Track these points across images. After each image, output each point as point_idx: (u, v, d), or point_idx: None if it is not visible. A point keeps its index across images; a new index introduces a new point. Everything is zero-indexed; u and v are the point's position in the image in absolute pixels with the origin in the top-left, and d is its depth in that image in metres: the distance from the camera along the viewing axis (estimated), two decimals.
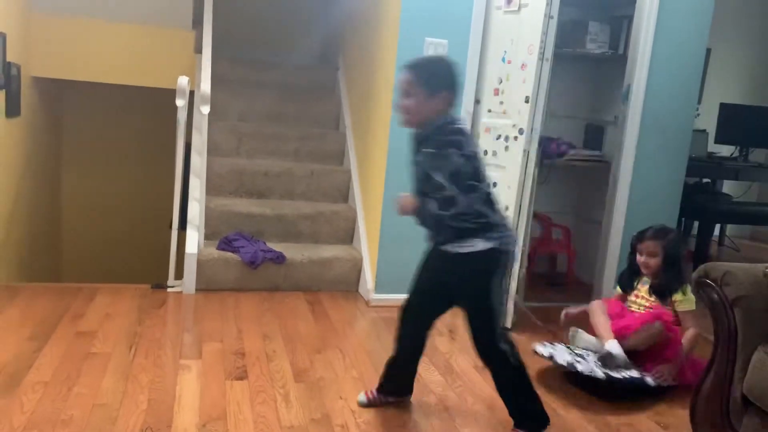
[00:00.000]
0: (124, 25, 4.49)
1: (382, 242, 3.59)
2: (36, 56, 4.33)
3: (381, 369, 2.48)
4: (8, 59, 3.81)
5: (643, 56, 3.66)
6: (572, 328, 2.95)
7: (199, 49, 4.35)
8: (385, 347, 3.06)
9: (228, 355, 2.79)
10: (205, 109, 3.56)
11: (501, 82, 3.43)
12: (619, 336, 2.75)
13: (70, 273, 5.53)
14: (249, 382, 2.55)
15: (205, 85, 3.58)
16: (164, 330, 3.07)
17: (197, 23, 4.49)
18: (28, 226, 4.54)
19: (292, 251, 3.79)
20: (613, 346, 2.70)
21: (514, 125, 3.30)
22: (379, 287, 3.62)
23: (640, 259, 2.93)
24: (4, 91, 3.79)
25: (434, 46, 3.47)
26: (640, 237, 2.96)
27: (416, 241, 3.57)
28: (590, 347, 2.83)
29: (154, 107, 4.82)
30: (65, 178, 5.62)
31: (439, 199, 2.04)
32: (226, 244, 3.76)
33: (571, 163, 4.15)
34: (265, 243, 3.84)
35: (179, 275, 3.66)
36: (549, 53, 3.15)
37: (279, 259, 3.70)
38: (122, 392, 2.37)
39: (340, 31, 5.15)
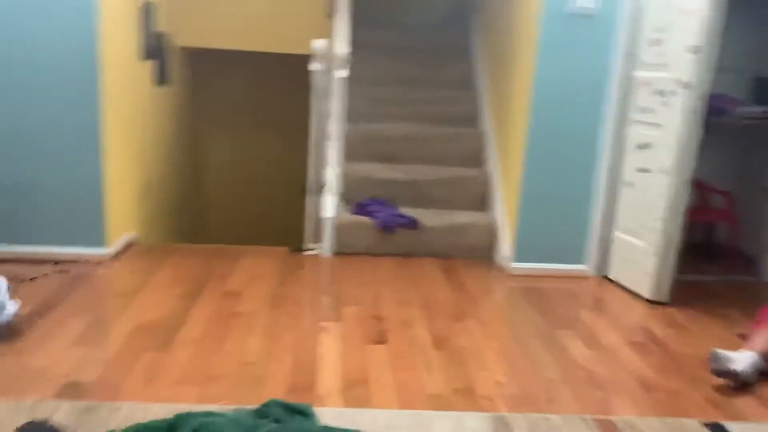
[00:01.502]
0: None
1: (522, 208, 3.42)
2: (182, 26, 4.50)
3: (523, 341, 2.34)
4: (158, 29, 3.98)
5: None
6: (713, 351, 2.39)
7: (330, 14, 4.33)
8: (526, 319, 2.92)
9: (366, 319, 2.77)
10: (342, 73, 3.53)
11: (660, 31, 3.09)
12: None
13: (214, 235, 5.83)
14: (389, 347, 2.51)
15: (342, 48, 3.54)
16: (304, 292, 3.12)
17: None
18: (178, 190, 4.81)
19: (425, 217, 3.71)
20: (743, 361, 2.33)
21: (675, 79, 2.97)
22: (519, 256, 3.46)
23: None
24: (155, 60, 3.98)
25: None
26: None
27: (558, 207, 3.41)
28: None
29: (292, 73, 4.89)
30: (208, 144, 5.90)
31: None
32: (360, 209, 3.75)
33: (740, 121, 3.71)
34: (398, 208, 3.79)
35: (316, 239, 3.71)
36: None
37: (412, 224, 3.64)
38: (267, 352, 2.41)
39: None
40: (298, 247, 3.72)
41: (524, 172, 3.37)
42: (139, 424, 1.78)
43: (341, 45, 3.59)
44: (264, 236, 4.95)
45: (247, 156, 5.91)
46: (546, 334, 2.74)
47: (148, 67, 3.91)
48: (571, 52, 3.25)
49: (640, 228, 3.20)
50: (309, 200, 3.89)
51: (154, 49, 3.93)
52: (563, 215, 3.43)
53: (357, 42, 4.52)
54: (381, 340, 2.57)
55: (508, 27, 3.85)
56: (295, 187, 5.26)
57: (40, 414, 1.85)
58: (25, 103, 3.08)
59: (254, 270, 3.34)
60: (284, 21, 4.59)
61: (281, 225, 5.22)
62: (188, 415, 1.77)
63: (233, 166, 5.91)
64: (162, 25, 4.09)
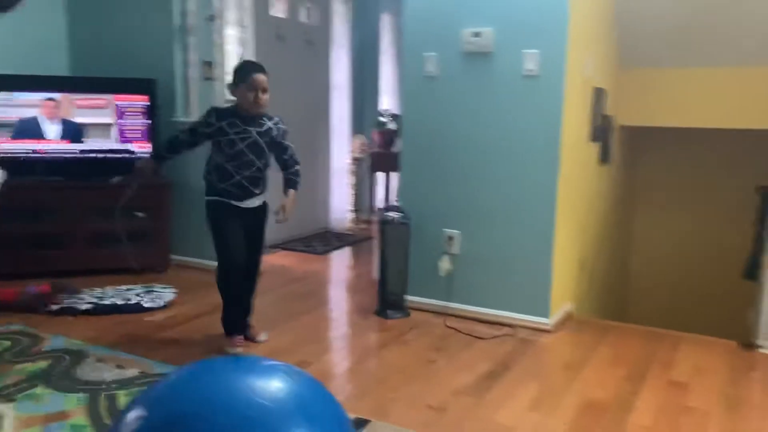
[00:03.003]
0: (711, 69, 4.38)
1: None
2: (625, 107, 4.62)
3: None
4: (605, 113, 4.16)
5: None
6: None
7: None
8: None
9: None
10: None
11: None
12: None
13: (638, 317, 5.67)
14: None
15: None
16: (761, 395, 2.78)
17: None
18: (608, 268, 4.85)
19: None
20: None
21: None
22: None
23: None
24: (600, 141, 4.16)
25: None
26: None
27: None
28: None
29: (737, 149, 4.54)
30: (638, 220, 5.82)
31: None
32: None
33: None
34: None
35: None
36: None
37: None
38: None
39: None
40: (749, 343, 3.34)
41: None
42: None
43: None
44: (696, 324, 4.59)
45: (680, 235, 5.63)
46: None
47: (594, 148, 4.11)
48: None
49: None
50: (762, 289, 3.47)
51: (600, 130, 4.11)
52: None
53: None
54: None
55: None
56: (734, 271, 4.78)
57: None
58: (497, 181, 3.52)
59: (699, 360, 3.12)
60: (742, 95, 4.29)
61: (716, 314, 4.79)
62: None
63: (663, 246, 5.69)
64: (609, 108, 4.26)
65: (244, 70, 2.96)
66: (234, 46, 4.76)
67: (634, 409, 2.58)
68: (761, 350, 3.27)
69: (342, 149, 6.25)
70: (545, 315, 3.49)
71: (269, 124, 3.03)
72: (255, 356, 2.76)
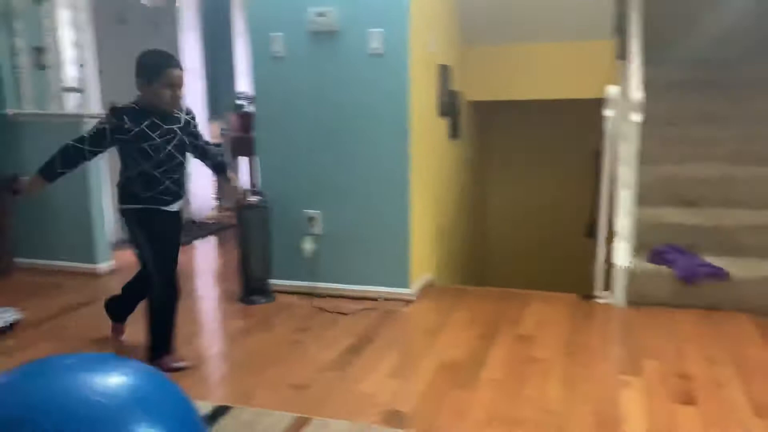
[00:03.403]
0: (545, 44, 4.69)
1: None
2: (472, 83, 4.84)
3: None
4: (452, 88, 4.35)
5: None
6: None
7: (621, 56, 4.26)
8: None
9: (670, 376, 2.63)
10: (637, 117, 3.45)
11: None
12: None
13: (497, 279, 6.02)
14: (699, 409, 2.35)
15: (637, 93, 3.47)
16: (598, 341, 3.08)
17: (618, 30, 4.41)
18: (465, 236, 5.10)
19: (734, 267, 3.39)
20: None
21: None
22: None
23: None
24: (448, 116, 4.34)
25: None
26: None
27: None
28: None
29: (572, 118, 4.92)
30: (492, 189, 6.16)
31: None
32: (656, 257, 3.58)
33: None
34: (699, 256, 3.52)
35: (606, 287, 3.63)
36: None
37: (720, 275, 3.35)
38: (567, 401, 2.43)
39: None
40: (588, 295, 3.67)
41: None
42: None
43: (635, 89, 3.52)
44: (546, 281, 4.96)
45: (529, 201, 6.03)
46: None
47: (444, 123, 4.28)
48: None
49: None
50: (598, 246, 3.82)
51: (448, 106, 4.29)
52: None
53: (648, 80, 4.37)
54: (689, 400, 2.41)
55: None
56: (577, 231, 5.21)
57: None
58: (352, 160, 3.58)
59: (544, 315, 3.39)
60: (570, 68, 4.65)
61: (564, 270, 5.19)
62: None
63: (515, 211, 6.07)
64: (455, 84, 4.45)
65: (158, 65, 2.56)
66: (68, 30, 4.44)
67: (486, 364, 2.76)
68: (598, 300, 3.61)
69: None
70: (406, 286, 3.62)
71: (184, 117, 2.71)
72: (101, 354, 2.63)
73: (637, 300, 3.49)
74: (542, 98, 4.84)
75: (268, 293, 3.67)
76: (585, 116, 4.01)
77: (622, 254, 3.53)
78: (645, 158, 4.03)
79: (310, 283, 3.71)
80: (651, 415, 2.31)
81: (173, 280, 2.73)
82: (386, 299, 3.60)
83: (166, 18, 5.61)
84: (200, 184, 6.04)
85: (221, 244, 5.30)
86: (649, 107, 4.13)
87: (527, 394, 2.49)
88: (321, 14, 3.47)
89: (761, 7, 4.75)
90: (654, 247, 3.66)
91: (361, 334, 3.13)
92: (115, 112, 2.58)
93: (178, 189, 2.72)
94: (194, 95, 5.95)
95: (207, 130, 6.19)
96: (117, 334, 3.09)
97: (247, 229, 3.61)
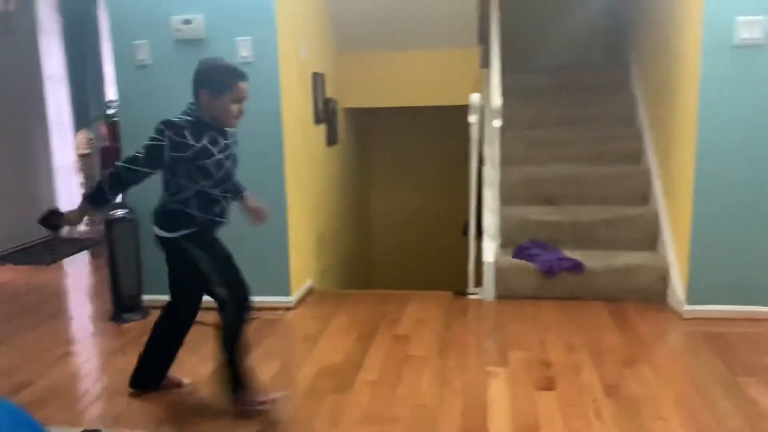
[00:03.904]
0: (416, 52, 4.86)
1: (693, 247, 3.28)
2: (347, 90, 4.92)
3: (701, 389, 2.25)
4: (327, 96, 4.40)
5: None
6: None
7: (485, 64, 4.50)
8: (704, 365, 2.80)
9: (533, 364, 2.82)
10: (497, 123, 3.66)
11: None
12: None
13: (381, 279, 6.15)
14: (557, 393, 2.54)
15: (496, 100, 3.68)
16: (470, 336, 3.24)
17: (482, 40, 4.65)
18: (347, 239, 5.17)
19: (589, 259, 3.68)
20: None
21: None
22: (693, 298, 3.31)
23: None
24: (325, 123, 4.39)
25: (747, 26, 3.06)
26: None
27: (735, 245, 3.22)
28: None
29: (446, 123, 5.12)
30: (374, 194, 6.28)
31: None
32: (521, 253, 3.81)
33: None
34: (560, 251, 3.80)
35: (478, 283, 3.82)
36: None
37: (576, 267, 3.62)
38: (438, 395, 2.55)
39: (631, 25, 4.86)
40: (461, 292, 3.84)
41: (695, 209, 3.25)
42: None
43: (495, 96, 3.73)
44: (429, 281, 5.14)
45: (409, 204, 6.21)
46: (728, 381, 2.60)
47: (321, 130, 4.33)
48: (740, 86, 3.12)
49: None
50: (470, 245, 4.02)
51: (324, 113, 4.34)
52: (742, 254, 3.24)
53: (512, 87, 4.65)
54: (549, 386, 2.60)
55: (667, 61, 3.77)
56: (455, 231, 5.43)
57: None
58: None
59: (421, 314, 3.51)
60: (440, 75, 4.84)
61: (444, 269, 5.39)
62: None
63: (396, 215, 6.23)
64: (330, 91, 4.51)
65: (229, 76, 2.37)
66: None
67: (363, 366, 2.83)
68: (470, 297, 3.79)
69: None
70: (287, 293, 3.62)
71: (232, 133, 2.52)
72: None
73: (506, 294, 3.70)
74: (414, 105, 5.00)
75: (141, 310, 3.54)
76: (458, 121, 4.18)
77: (489, 251, 3.73)
78: (509, 160, 4.30)
79: None
80: (514, 403, 2.47)
81: (248, 300, 2.50)
82: (266, 308, 3.58)
83: (23, 23, 5.26)
84: (67, 199, 5.72)
85: (94, 260, 5.04)
86: (511, 112, 4.39)
87: (401, 392, 2.58)
88: (187, 22, 3.40)
89: (612, 16, 5.17)
90: (519, 244, 3.89)
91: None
92: (172, 127, 2.31)
93: (229, 210, 2.53)
94: (59, 104, 5.63)
95: (73, 140, 5.87)
96: (176, 385, 2.69)
97: (116, 244, 3.47)
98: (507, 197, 4.15)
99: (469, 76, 4.79)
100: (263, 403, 2.42)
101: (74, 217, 2.37)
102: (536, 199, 4.20)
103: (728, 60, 3.11)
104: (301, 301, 3.74)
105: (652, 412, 2.36)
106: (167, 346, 2.64)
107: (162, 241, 2.44)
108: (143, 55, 3.47)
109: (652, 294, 3.57)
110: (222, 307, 2.42)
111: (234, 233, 3.55)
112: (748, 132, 3.15)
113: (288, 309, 3.60)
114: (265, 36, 3.39)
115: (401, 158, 6.15)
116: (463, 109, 3.87)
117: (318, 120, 4.21)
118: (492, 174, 3.94)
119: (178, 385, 2.68)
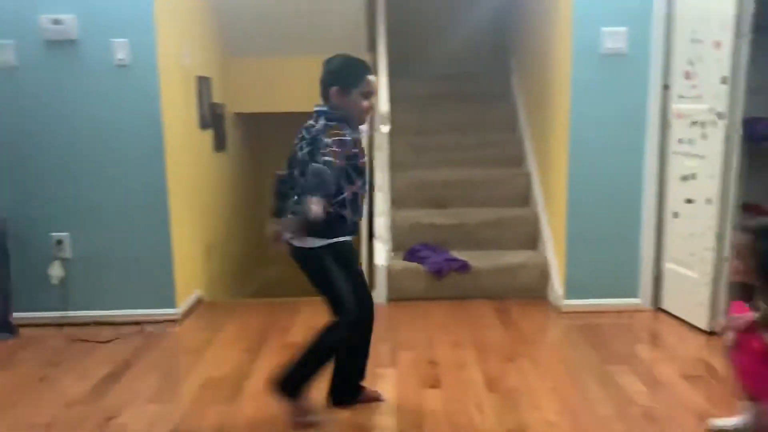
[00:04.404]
0: (306, 58, 4.83)
1: (569, 245, 3.46)
2: (236, 95, 4.82)
3: (576, 379, 2.38)
4: (214, 100, 4.29)
5: None
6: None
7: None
8: (579, 356, 2.95)
9: (421, 363, 2.87)
10: (386, 128, 3.71)
11: (691, 64, 3.14)
12: None
13: (275, 288, 6.04)
14: (443, 390, 2.59)
15: (384, 106, 3.74)
16: None
17: (371, 46, 4.70)
18: (239, 247, 5.05)
19: (475, 259, 3.80)
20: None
21: (710, 109, 3.00)
22: (570, 293, 3.49)
23: None
24: (212, 129, 4.28)
25: (611, 36, 3.28)
26: None
27: (606, 242, 3.44)
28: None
29: None
30: (265, 201, 6.16)
31: None
32: (411, 255, 3.88)
33: None
34: (449, 252, 3.90)
35: (371, 286, 3.84)
36: (746, 27, 2.83)
37: (463, 267, 3.73)
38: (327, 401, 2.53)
39: (511, 34, 5.09)
40: None
41: (569, 209, 3.44)
42: None
43: (383, 102, 3.79)
44: None
45: None
46: (600, 370, 2.76)
47: (207, 136, 4.21)
48: (606, 90, 3.34)
49: (690, 258, 3.19)
50: (363, 247, 4.04)
51: (210, 118, 4.23)
52: (613, 250, 3.46)
53: (401, 95, 4.73)
54: (435, 384, 2.66)
55: (543, 69, 3.97)
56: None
57: None
58: (101, 177, 3.36)
59: (313, 320, 3.44)
60: None
61: None
62: None
63: None
64: (217, 96, 4.40)
65: (359, 70, 2.27)
66: None
67: (250, 376, 2.77)
68: None
69: None
70: (172, 305, 3.49)
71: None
72: None
73: (397, 296, 3.75)
74: (306, 111, 4.96)
75: (10, 328, 3.29)
76: None
77: (380, 254, 3.77)
78: (399, 165, 4.37)
79: (62, 312, 3.41)
80: (401, 402, 2.50)
81: (370, 322, 2.44)
82: (150, 321, 3.43)
83: None
84: None
85: None
86: (401, 119, 4.47)
87: None
88: (57, 21, 3.21)
89: (497, 26, 5.38)
90: (410, 247, 3.96)
91: (120, 361, 2.95)
92: (335, 125, 2.18)
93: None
94: None
95: None
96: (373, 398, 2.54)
97: None
98: (398, 201, 4.22)
99: None
100: (310, 422, 2.31)
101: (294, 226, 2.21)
102: (426, 202, 4.29)
103: (596, 67, 3.32)
104: (188, 312, 3.61)
105: (530, 403, 2.46)
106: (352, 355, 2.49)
107: (303, 253, 2.31)
108: (8, 56, 3.24)
109: (534, 291, 3.74)
110: (341, 319, 2.34)
111: (115, 243, 3.42)
112: (613, 135, 3.37)
113: (173, 321, 3.46)
114: (143, 38, 3.25)
115: None
116: None
117: (204, 125, 4.10)
118: (382, 178, 3.99)
119: (376, 399, 2.53)
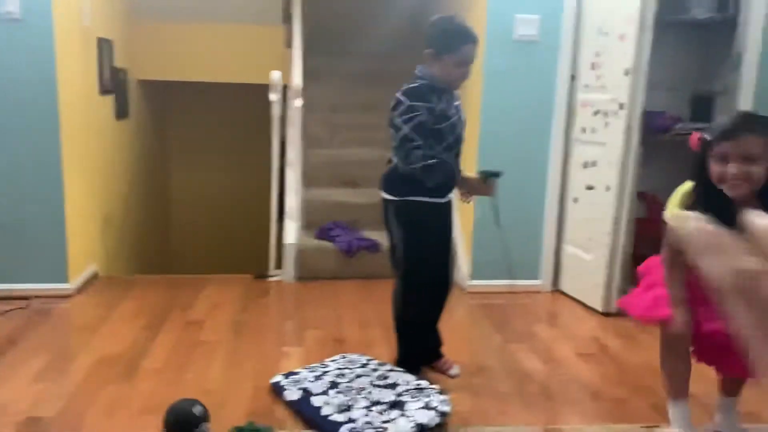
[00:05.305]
0: (218, 25, 4.65)
1: (476, 227, 3.53)
2: (141, 61, 4.57)
3: (478, 357, 2.43)
4: (115, 64, 4.05)
5: (758, 20, 3.35)
6: None
7: (289, 44, 4.44)
8: (481, 335, 3.02)
9: (328, 342, 2.84)
10: (298, 102, 3.63)
11: (598, 55, 3.26)
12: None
13: (180, 264, 5.84)
14: None
15: (297, 79, 3.65)
16: (267, 318, 3.18)
17: (287, 19, 4.58)
18: (141, 221, 4.83)
19: (385, 239, 3.79)
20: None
21: (612, 99, 3.13)
22: (476, 273, 3.57)
23: (723, 169, 1.82)
24: (113, 95, 4.03)
25: (524, 23, 3.35)
26: (730, 134, 1.81)
27: (511, 226, 3.52)
28: None
29: (252, 102, 4.98)
30: (173, 174, 5.93)
31: None
32: (322, 234, 3.84)
33: (679, 137, 3.88)
34: (360, 232, 3.88)
35: (280, 265, 3.77)
36: (649, 21, 2.96)
37: (374, 247, 3.73)
38: (229, 379, 2.46)
39: (430, 16, 5.09)
40: (261, 274, 3.77)
41: None
42: None
43: (296, 75, 3.70)
44: (233, 264, 4.99)
45: (214, 184, 5.97)
46: (501, 349, 2.84)
47: (108, 102, 3.97)
48: (517, 77, 3.40)
49: (589, 242, 3.34)
50: (273, 226, 3.96)
51: (112, 83, 3.99)
52: (516, 233, 3.54)
53: (317, 71, 4.65)
54: None
55: None
56: (261, 213, 5.33)
57: None
58: None
59: (217, 298, 3.39)
60: (244, 52, 4.69)
61: (250, 252, 5.27)
62: None
63: (200, 195, 5.95)
64: (120, 60, 4.16)
65: (455, 38, 2.25)
66: None
67: (148, 354, 2.65)
68: (271, 278, 3.73)
69: None
70: (64, 280, 3.29)
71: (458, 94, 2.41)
72: None
73: (307, 275, 3.70)
74: (216, 81, 4.80)
75: None
76: (262, 100, 4.07)
77: (290, 232, 3.70)
78: (313, 142, 4.30)
79: None
80: None
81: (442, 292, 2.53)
82: (39, 296, 3.22)
83: None
84: None
85: None
86: (317, 95, 4.40)
87: (188, 379, 2.46)
88: None
89: (415, 6, 5.35)
90: (321, 225, 3.91)
91: (3, 338, 2.75)
92: (415, 95, 2.28)
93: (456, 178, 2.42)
94: None
95: None
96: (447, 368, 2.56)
97: None
98: (311, 179, 4.15)
99: (274, 56, 4.70)
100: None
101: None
102: (339, 181, 4.25)
103: (508, 53, 3.37)
104: (82, 288, 3.42)
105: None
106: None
107: (394, 204, 2.38)
108: None
109: None
110: (409, 283, 2.49)
111: (2, 211, 3.16)
112: (522, 121, 3.45)
113: (66, 297, 3.26)
114: None
115: (203, 136, 5.88)
116: (268, 89, 3.79)
117: (104, 90, 3.86)
118: (294, 155, 3.91)
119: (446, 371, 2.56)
